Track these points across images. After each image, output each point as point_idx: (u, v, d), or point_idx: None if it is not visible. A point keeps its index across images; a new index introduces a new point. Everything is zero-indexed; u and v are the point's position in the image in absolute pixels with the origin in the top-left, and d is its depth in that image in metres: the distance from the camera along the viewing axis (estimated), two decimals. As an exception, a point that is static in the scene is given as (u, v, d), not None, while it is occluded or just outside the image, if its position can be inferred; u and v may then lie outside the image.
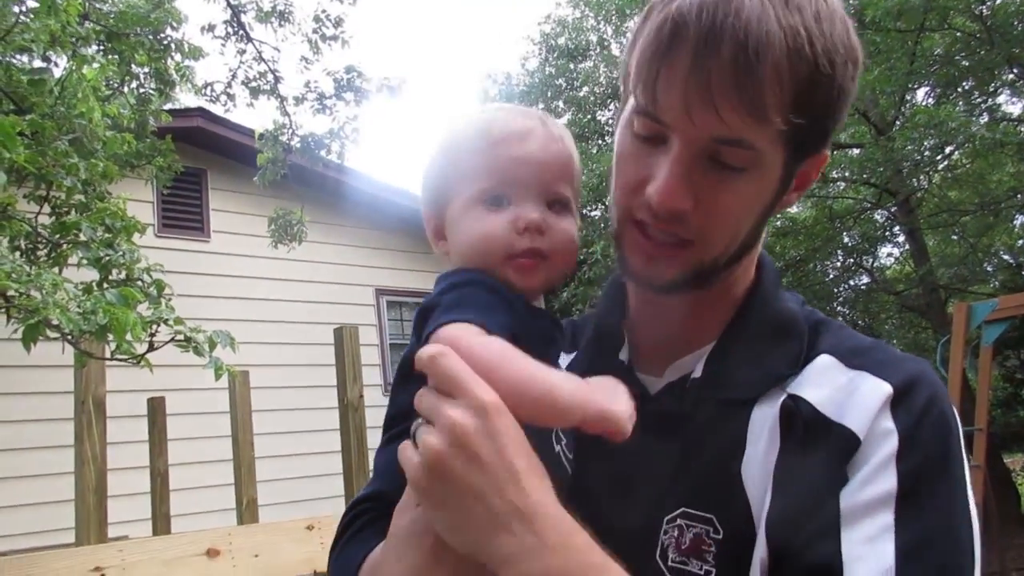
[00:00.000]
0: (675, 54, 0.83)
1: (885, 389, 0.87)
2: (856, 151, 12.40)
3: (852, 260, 15.60)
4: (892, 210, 13.13)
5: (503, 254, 0.94)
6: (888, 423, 0.85)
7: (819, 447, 0.86)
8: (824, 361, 0.94)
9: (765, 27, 0.80)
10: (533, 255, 0.94)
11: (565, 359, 1.14)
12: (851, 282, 16.10)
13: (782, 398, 0.91)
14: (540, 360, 0.84)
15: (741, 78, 0.81)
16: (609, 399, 0.81)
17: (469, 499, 0.74)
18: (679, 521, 0.90)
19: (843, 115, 0.91)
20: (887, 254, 17.30)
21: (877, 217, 14.41)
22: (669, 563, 0.89)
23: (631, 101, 0.92)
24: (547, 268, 0.96)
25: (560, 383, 0.80)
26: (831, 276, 15.41)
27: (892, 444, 0.84)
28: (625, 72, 0.95)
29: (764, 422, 0.91)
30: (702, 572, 0.87)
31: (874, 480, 0.83)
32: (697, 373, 0.98)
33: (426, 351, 0.80)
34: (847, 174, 12.50)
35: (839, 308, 15.48)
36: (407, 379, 0.93)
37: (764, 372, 0.95)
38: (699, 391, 0.97)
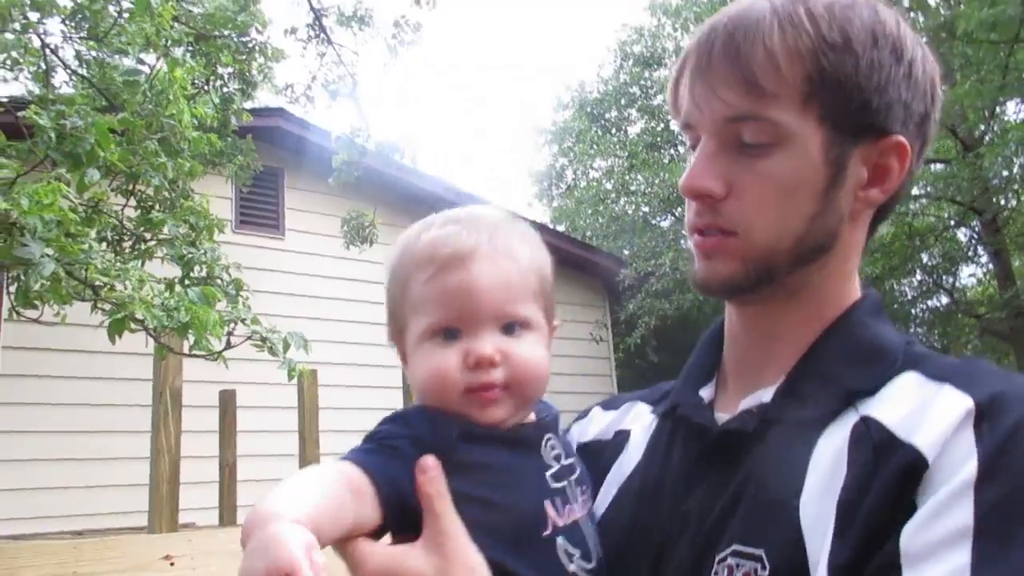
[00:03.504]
0: (687, 65, 0.94)
1: (966, 403, 0.76)
2: (939, 166, 11.98)
3: (931, 280, 15.07)
4: (976, 229, 12.65)
5: (457, 391, 0.90)
6: (967, 443, 0.73)
7: (885, 473, 0.76)
8: (907, 377, 0.85)
9: (755, 14, 0.88)
10: (490, 388, 0.90)
11: (646, 408, 1.12)
12: (929, 302, 15.54)
13: (854, 421, 0.83)
14: (533, 460, 0.92)
15: (732, 56, 0.88)
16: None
17: None
18: (729, 560, 0.84)
19: (888, 90, 0.88)
20: (969, 274, 16.64)
21: (960, 236, 13.90)
22: None
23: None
24: (510, 397, 0.91)
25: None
26: (908, 297, 14.92)
27: (971, 468, 0.72)
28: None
29: (829, 448, 0.83)
30: None
31: (946, 512, 0.71)
32: (767, 398, 0.93)
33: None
34: (929, 190, 12.08)
35: (916, 329, 14.95)
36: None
37: (835, 390, 0.87)
38: (767, 413, 0.91)
